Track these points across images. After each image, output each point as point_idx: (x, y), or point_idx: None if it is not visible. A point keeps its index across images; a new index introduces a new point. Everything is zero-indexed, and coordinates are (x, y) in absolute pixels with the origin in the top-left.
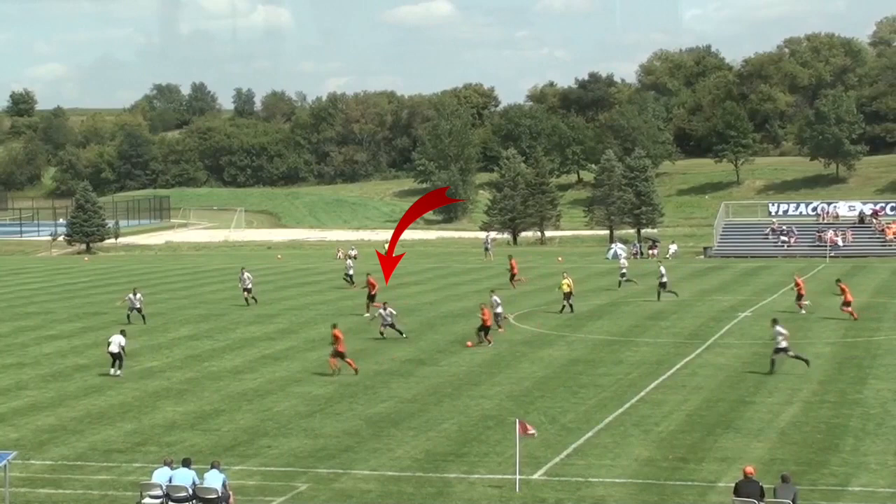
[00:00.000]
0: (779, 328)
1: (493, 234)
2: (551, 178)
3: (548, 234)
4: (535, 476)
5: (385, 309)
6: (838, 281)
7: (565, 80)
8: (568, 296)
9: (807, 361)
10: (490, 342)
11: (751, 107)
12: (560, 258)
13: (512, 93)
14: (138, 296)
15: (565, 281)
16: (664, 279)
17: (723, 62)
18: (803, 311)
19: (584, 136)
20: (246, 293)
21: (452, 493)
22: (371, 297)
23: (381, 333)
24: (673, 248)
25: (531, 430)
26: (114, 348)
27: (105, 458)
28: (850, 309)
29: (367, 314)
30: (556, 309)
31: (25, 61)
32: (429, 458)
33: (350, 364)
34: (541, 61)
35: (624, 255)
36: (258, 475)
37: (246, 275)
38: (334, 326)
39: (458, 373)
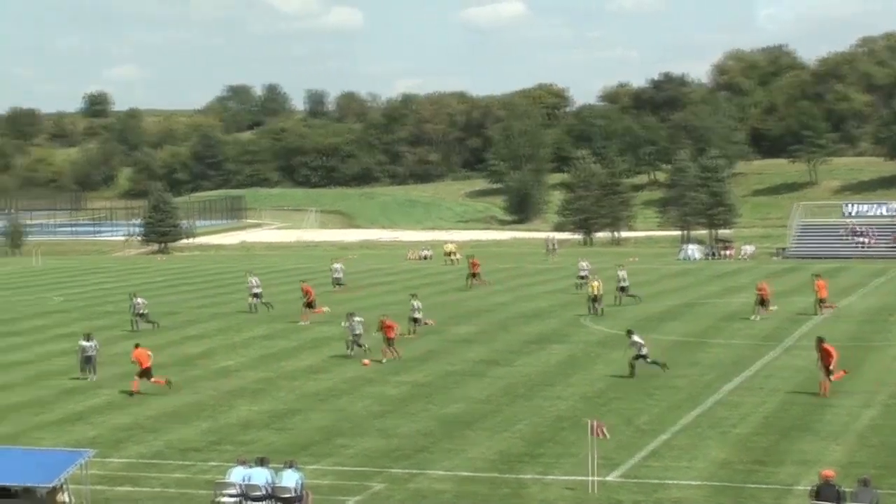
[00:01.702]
0: (634, 338)
1: (553, 236)
2: (624, 179)
3: (621, 234)
4: (611, 478)
5: (353, 318)
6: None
7: (638, 80)
8: (595, 298)
9: (663, 366)
10: (395, 356)
11: (826, 106)
12: (635, 258)
13: (584, 93)
14: (140, 301)
15: (594, 283)
16: (624, 283)
17: (797, 61)
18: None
19: (657, 137)
20: (254, 299)
21: (527, 494)
22: (309, 305)
23: (349, 347)
24: (749, 248)
25: (605, 431)
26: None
27: (181, 456)
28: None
29: (305, 322)
30: (625, 312)
31: (101, 63)
32: (503, 459)
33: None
34: (613, 61)
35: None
36: (333, 475)
37: (253, 280)
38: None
39: (532, 373)
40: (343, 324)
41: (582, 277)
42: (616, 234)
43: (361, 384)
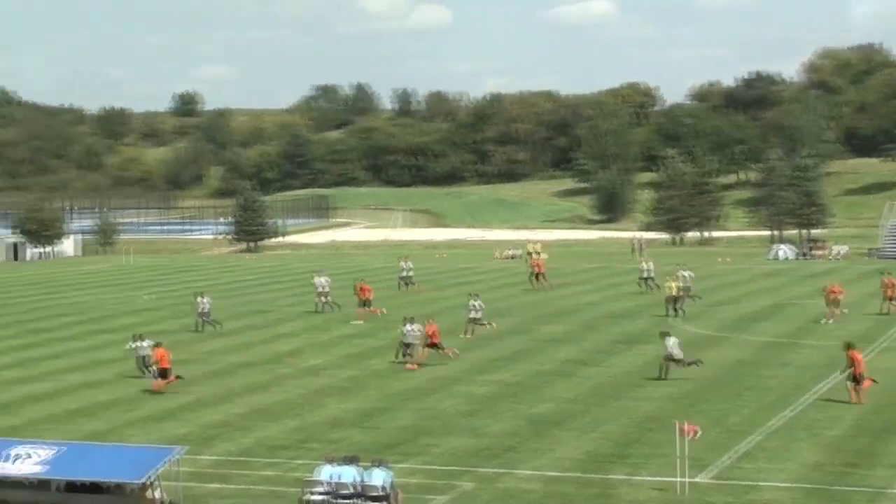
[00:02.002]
0: (669, 340)
1: (640, 235)
2: (714, 178)
3: (711, 234)
4: (700, 479)
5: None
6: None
7: (728, 79)
8: (674, 300)
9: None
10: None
11: None
12: (728, 259)
13: (673, 92)
14: (206, 300)
15: (673, 284)
16: (687, 283)
17: (890, 59)
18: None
19: (747, 136)
20: (320, 298)
21: (615, 494)
22: (365, 304)
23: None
24: (842, 248)
25: (695, 432)
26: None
27: (270, 454)
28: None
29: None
30: (717, 312)
31: (192, 62)
32: (591, 459)
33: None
34: (702, 60)
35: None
36: (421, 473)
37: (321, 279)
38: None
39: (621, 374)
40: (401, 329)
41: (644, 279)
42: (705, 233)
43: (450, 383)
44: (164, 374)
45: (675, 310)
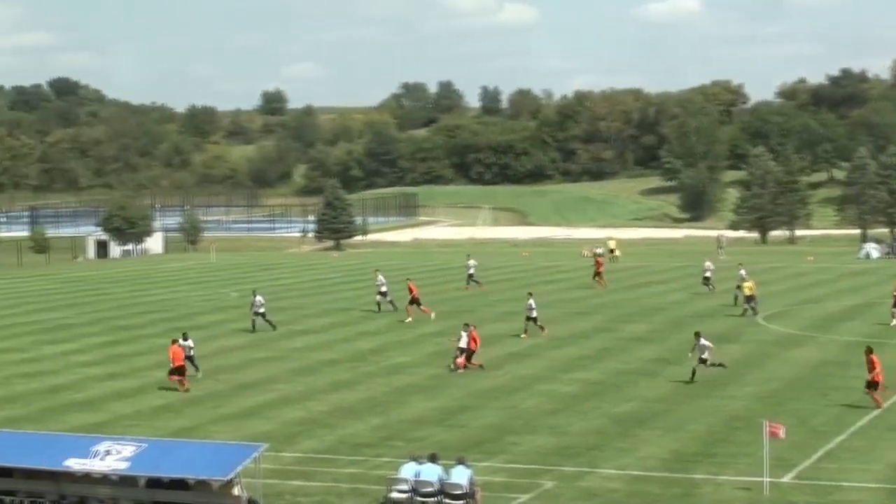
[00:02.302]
0: (703, 342)
1: (723, 233)
2: (801, 177)
3: (798, 233)
4: (785, 479)
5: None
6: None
7: (816, 77)
8: (750, 299)
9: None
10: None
11: None
12: (811, 258)
13: (761, 90)
14: (259, 299)
15: (747, 283)
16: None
17: None
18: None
19: (835, 134)
20: (381, 297)
21: (699, 494)
22: (413, 302)
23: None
24: None
25: (781, 432)
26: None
27: (353, 451)
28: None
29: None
30: (804, 311)
31: (280, 61)
32: (675, 459)
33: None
34: (791, 57)
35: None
36: (504, 472)
37: (380, 278)
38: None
39: (706, 373)
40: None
41: (707, 278)
42: (792, 232)
43: (533, 382)
44: (178, 371)
45: (752, 309)
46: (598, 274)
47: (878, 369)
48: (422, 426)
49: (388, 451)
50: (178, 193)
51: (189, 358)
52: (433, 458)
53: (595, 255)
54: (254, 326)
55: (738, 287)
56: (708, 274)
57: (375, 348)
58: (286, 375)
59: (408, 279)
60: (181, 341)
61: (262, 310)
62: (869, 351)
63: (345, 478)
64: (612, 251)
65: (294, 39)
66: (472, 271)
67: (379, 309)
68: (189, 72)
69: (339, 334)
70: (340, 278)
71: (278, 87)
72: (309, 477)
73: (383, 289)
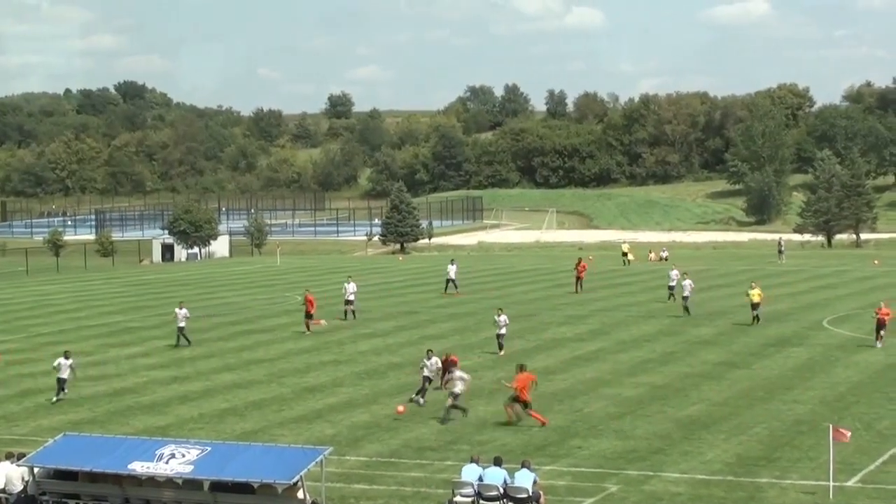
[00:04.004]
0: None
1: (783, 237)
2: (867, 180)
3: (863, 236)
4: (850, 483)
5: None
6: None
7: (883, 80)
8: (756, 306)
9: None
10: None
11: None
12: (876, 261)
13: (827, 93)
14: (352, 286)
15: (755, 290)
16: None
17: None
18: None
19: None
20: (347, 305)
21: (764, 498)
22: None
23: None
24: None
25: (846, 436)
26: (63, 374)
27: (418, 455)
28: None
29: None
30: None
31: (346, 64)
32: (740, 462)
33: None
34: (859, 60)
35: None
36: (568, 475)
37: (351, 286)
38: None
39: (771, 377)
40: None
41: (671, 288)
42: (857, 235)
43: (598, 385)
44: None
45: (756, 317)
46: (578, 279)
47: None
48: (485, 429)
49: (453, 455)
50: (244, 197)
51: (60, 380)
52: (497, 462)
53: (661, 258)
54: (346, 315)
55: (747, 294)
56: (672, 284)
57: (440, 352)
58: (351, 379)
59: (307, 290)
60: (62, 360)
61: (351, 297)
62: None
63: (409, 481)
64: (624, 254)
65: (361, 42)
66: (452, 276)
67: (345, 317)
68: (255, 75)
69: (404, 338)
70: (405, 282)
71: (345, 90)
72: (373, 481)
73: (350, 297)
